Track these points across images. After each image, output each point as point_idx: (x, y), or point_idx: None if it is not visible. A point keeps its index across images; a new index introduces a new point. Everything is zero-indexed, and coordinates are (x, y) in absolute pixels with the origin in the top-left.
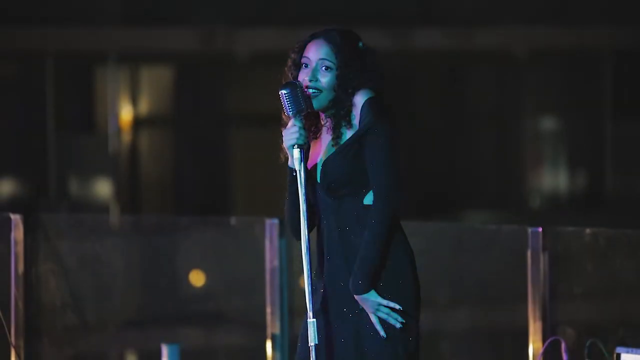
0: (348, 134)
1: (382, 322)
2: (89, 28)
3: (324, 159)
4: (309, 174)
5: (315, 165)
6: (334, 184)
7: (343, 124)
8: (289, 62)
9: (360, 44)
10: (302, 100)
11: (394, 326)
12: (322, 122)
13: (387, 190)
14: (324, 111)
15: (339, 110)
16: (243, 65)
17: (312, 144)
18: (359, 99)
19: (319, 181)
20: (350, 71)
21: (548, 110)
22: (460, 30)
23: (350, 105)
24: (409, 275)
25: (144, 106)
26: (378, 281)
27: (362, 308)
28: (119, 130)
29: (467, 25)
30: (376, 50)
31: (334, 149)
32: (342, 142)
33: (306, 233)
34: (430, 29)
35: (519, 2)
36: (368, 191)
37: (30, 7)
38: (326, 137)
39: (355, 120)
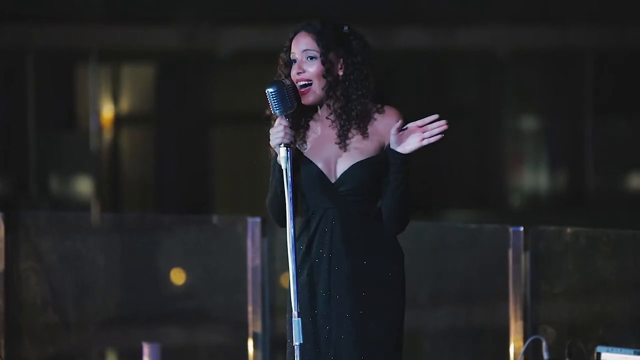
0: (357, 138)
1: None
2: (71, 25)
3: (340, 160)
4: (316, 169)
5: (325, 161)
6: (352, 191)
7: (353, 128)
8: (280, 62)
9: (346, 28)
10: (288, 99)
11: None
12: (323, 115)
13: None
14: (321, 103)
15: (348, 111)
16: (225, 63)
17: (310, 140)
18: (390, 120)
19: (332, 182)
20: (335, 56)
21: (529, 109)
22: (442, 29)
23: (362, 110)
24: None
25: (126, 104)
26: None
27: (349, 311)
28: (100, 127)
29: (449, 24)
30: (364, 36)
31: (357, 157)
32: (348, 144)
33: (292, 232)
34: (412, 28)
35: (501, 1)
36: (378, 200)
37: (11, 3)
38: (327, 133)
39: (371, 129)
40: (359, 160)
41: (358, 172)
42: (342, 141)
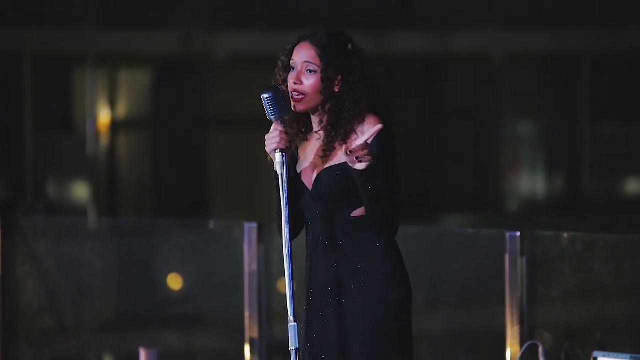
0: (338, 148)
1: (370, 321)
2: (67, 29)
3: (316, 169)
4: (299, 179)
5: (304, 170)
6: (326, 197)
7: (339, 143)
8: (279, 64)
9: (350, 46)
10: (284, 104)
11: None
12: (314, 127)
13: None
14: (313, 113)
15: (337, 128)
16: (222, 67)
17: (300, 147)
18: (370, 128)
19: (310, 189)
20: (334, 73)
21: (526, 113)
22: (439, 33)
23: (351, 128)
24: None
25: (123, 108)
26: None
27: (346, 313)
28: (97, 132)
29: (447, 28)
30: (365, 52)
31: (327, 164)
32: (335, 160)
33: (288, 238)
34: (409, 32)
35: (497, 5)
36: (359, 206)
37: (8, 7)
38: (316, 144)
39: (353, 137)
40: (327, 167)
41: (326, 178)
42: (324, 154)
